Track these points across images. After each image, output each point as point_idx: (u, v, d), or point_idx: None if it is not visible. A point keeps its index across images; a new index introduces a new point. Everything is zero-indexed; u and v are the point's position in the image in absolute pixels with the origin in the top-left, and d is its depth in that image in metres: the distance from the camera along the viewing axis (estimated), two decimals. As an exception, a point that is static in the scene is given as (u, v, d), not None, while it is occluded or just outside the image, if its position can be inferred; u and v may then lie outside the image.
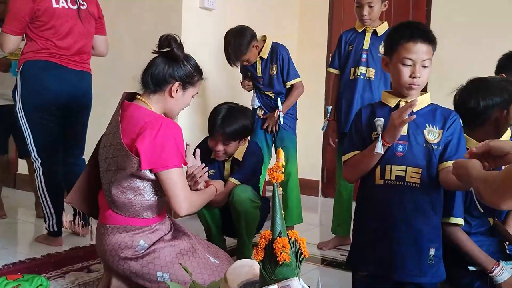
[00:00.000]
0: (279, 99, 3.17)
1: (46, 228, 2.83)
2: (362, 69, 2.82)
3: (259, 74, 3.22)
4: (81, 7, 2.77)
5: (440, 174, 1.74)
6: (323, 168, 4.62)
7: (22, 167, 3.80)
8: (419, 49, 1.71)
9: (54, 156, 2.78)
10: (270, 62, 3.18)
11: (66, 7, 2.71)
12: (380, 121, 1.73)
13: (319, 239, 3.25)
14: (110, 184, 1.88)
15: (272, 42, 3.21)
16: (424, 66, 1.73)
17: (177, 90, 1.93)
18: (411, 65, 1.73)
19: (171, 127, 1.84)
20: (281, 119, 3.15)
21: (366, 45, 2.82)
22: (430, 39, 1.74)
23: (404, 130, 1.75)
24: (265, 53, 3.18)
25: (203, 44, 3.67)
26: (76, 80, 2.76)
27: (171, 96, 1.93)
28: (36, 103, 2.68)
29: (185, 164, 1.93)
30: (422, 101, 1.79)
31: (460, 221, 1.80)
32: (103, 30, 2.96)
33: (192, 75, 1.95)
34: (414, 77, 1.72)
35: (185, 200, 1.86)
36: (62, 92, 2.71)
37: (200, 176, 2.12)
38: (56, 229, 2.79)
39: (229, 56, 3.07)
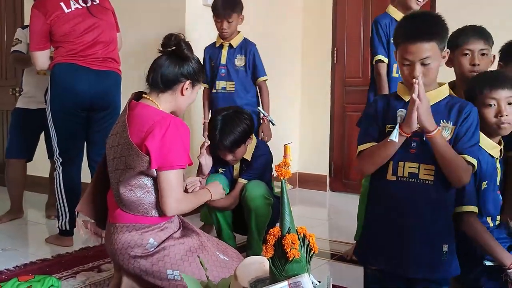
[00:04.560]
0: (259, 107, 3.06)
1: (58, 227, 2.86)
2: None
3: (223, 61, 3.09)
4: (93, 3, 2.84)
5: None
6: (330, 162, 4.60)
7: (31, 169, 3.82)
8: (417, 49, 1.68)
9: (74, 157, 2.87)
10: (239, 53, 3.11)
11: (80, 7, 2.78)
12: (402, 111, 1.71)
13: (328, 233, 3.25)
14: (118, 183, 1.89)
15: (244, 37, 3.17)
16: (424, 64, 1.68)
17: (187, 88, 1.95)
18: (410, 64, 1.70)
19: (179, 126, 1.86)
20: (273, 121, 3.03)
21: None
22: (431, 35, 1.69)
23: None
24: (235, 42, 3.10)
25: (207, 41, 3.66)
26: (97, 80, 2.80)
27: (183, 95, 1.95)
28: (61, 104, 2.77)
29: (191, 164, 1.93)
30: (438, 94, 1.76)
31: (474, 208, 1.76)
32: (117, 26, 3.00)
33: (199, 72, 1.98)
34: (413, 76, 1.68)
35: (175, 202, 1.86)
36: (84, 93, 2.77)
37: (191, 187, 2.15)
38: (68, 228, 2.83)
39: (222, 3, 3.00)
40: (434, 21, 1.75)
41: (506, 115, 1.75)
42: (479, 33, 2.06)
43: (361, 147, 1.82)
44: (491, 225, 1.85)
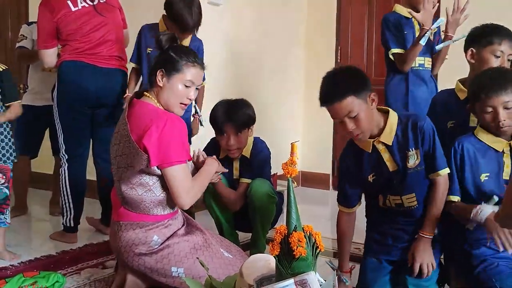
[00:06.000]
0: (196, 105, 2.91)
1: (62, 223, 2.88)
2: (420, 60, 2.69)
3: None
4: (100, 1, 2.84)
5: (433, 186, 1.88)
6: (333, 161, 4.60)
7: (35, 165, 3.83)
8: (335, 110, 1.79)
9: (80, 154, 2.88)
10: None
11: (86, 5, 2.79)
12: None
13: (331, 232, 3.24)
14: (120, 181, 1.90)
15: None
16: (350, 117, 1.78)
17: (162, 77, 1.91)
18: (340, 122, 1.81)
19: (176, 122, 1.85)
20: (202, 122, 2.91)
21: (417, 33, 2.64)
22: (342, 94, 1.76)
23: (393, 166, 1.88)
24: (187, 42, 2.85)
25: (210, 39, 3.66)
26: (103, 78, 2.81)
27: (160, 86, 1.92)
28: (68, 102, 2.79)
29: (190, 159, 1.94)
30: (390, 131, 1.86)
31: (456, 198, 1.87)
32: (124, 23, 3.01)
33: (173, 61, 1.91)
34: (349, 132, 1.81)
35: (188, 195, 1.88)
36: (90, 91, 2.78)
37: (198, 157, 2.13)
38: (72, 224, 2.84)
39: (193, 21, 2.65)
40: (343, 79, 1.83)
41: (504, 120, 1.76)
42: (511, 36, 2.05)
43: (340, 207, 2.03)
44: None
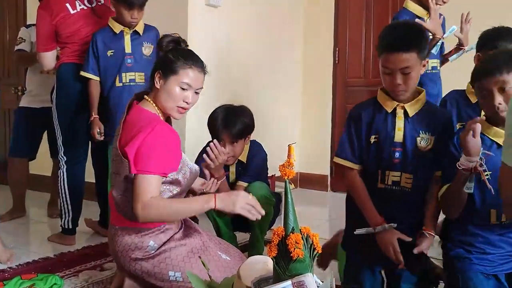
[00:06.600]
0: None
1: (60, 225, 2.88)
2: (433, 62, 2.67)
3: (127, 50, 2.70)
4: (98, 3, 2.86)
5: (435, 183, 1.87)
6: (331, 163, 4.61)
7: (33, 167, 3.83)
8: (397, 59, 1.76)
9: (79, 156, 2.90)
10: (146, 40, 2.75)
11: (85, 8, 2.81)
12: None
13: (329, 233, 3.25)
14: (113, 186, 1.89)
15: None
16: (404, 73, 1.77)
17: (159, 79, 1.88)
18: (390, 73, 1.79)
19: (164, 133, 1.81)
20: None
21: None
22: (410, 46, 1.76)
23: (400, 137, 1.85)
24: (140, 28, 2.72)
25: (209, 41, 3.67)
26: None
27: (157, 88, 1.89)
28: (66, 103, 2.80)
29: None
30: (417, 103, 1.86)
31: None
32: None
33: (171, 62, 1.87)
34: (395, 85, 1.79)
35: (140, 207, 1.74)
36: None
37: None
38: (70, 226, 2.85)
39: None
40: (414, 32, 1.83)
41: (500, 104, 1.65)
42: None
43: (340, 161, 1.96)
44: (494, 221, 1.78)
